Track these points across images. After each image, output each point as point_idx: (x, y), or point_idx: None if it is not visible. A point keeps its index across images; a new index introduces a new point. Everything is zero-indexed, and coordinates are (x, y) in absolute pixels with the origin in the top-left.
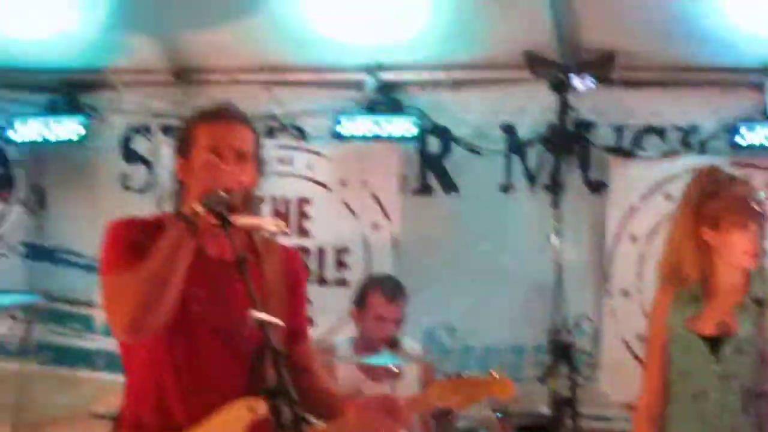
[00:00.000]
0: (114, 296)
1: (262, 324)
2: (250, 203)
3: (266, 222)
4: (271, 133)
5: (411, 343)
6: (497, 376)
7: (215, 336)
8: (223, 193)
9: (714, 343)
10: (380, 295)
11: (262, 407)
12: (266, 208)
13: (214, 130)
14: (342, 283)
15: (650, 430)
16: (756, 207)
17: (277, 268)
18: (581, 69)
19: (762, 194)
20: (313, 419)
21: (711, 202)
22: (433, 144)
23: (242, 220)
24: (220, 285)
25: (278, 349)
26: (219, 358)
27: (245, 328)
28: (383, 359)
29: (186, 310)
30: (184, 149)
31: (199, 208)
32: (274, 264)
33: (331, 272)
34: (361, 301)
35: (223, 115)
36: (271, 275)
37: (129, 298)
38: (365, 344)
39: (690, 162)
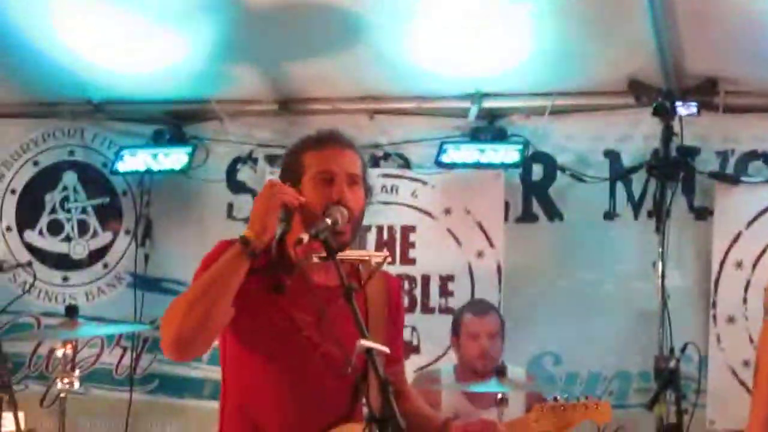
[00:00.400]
0: (166, 314)
1: (370, 352)
2: (356, 230)
3: (371, 253)
4: (375, 161)
5: (517, 370)
6: (595, 400)
7: (323, 362)
8: (328, 220)
9: None
10: (469, 314)
11: None
12: (371, 237)
13: (326, 155)
14: (447, 311)
15: None
16: None
17: (380, 295)
18: (685, 95)
19: None
20: None
21: None
22: (537, 171)
23: (349, 252)
24: (328, 312)
25: (385, 377)
26: (325, 384)
27: (351, 356)
28: (488, 386)
29: (295, 336)
30: (293, 177)
31: (305, 237)
32: (376, 292)
33: (435, 300)
34: (456, 328)
35: (332, 141)
36: (374, 302)
37: (176, 317)
38: (467, 370)
39: None
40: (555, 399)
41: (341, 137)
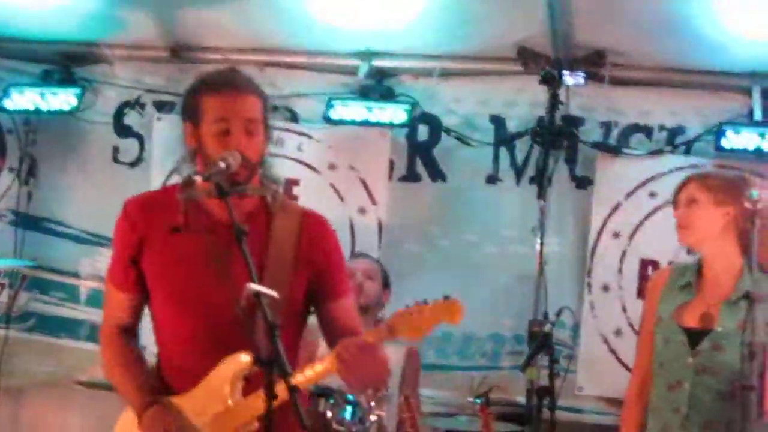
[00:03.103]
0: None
1: (258, 295)
2: (253, 171)
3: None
4: None
5: None
6: (445, 300)
7: (222, 302)
8: (221, 164)
9: (694, 336)
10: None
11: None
12: None
13: (222, 101)
14: None
15: (638, 414)
16: None
17: (288, 232)
18: (572, 65)
19: (755, 193)
20: None
21: None
22: (423, 132)
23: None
24: (228, 251)
25: (271, 320)
26: (225, 325)
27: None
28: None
29: (195, 277)
30: (193, 117)
31: (198, 179)
32: (284, 228)
33: None
34: None
35: (229, 84)
36: (278, 239)
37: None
38: None
39: (675, 162)
40: (407, 306)
41: (239, 80)
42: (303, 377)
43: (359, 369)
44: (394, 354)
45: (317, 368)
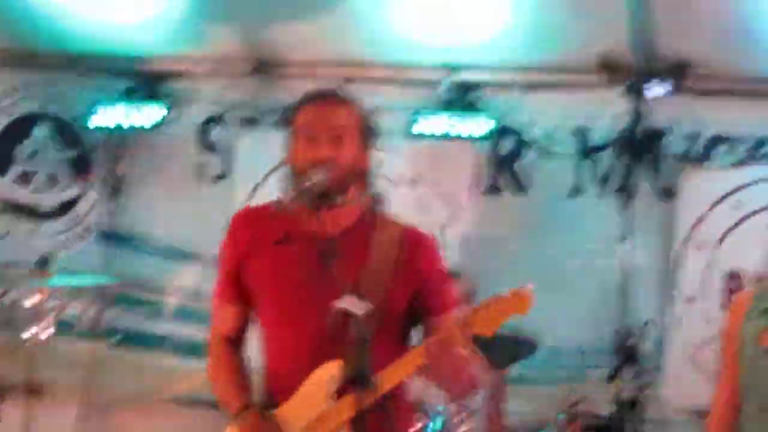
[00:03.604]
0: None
1: (347, 311)
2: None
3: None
4: None
5: None
6: (512, 291)
7: (315, 317)
8: (311, 183)
9: None
10: None
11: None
12: None
13: (310, 113)
14: None
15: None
16: None
17: (388, 246)
18: (656, 76)
19: None
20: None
21: None
22: (506, 145)
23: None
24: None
25: (361, 334)
26: (319, 339)
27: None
28: None
29: (298, 289)
30: (290, 134)
31: (289, 197)
32: (384, 242)
33: None
34: None
35: (319, 98)
36: (381, 251)
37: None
38: None
39: (760, 172)
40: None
41: (330, 93)
42: (390, 377)
43: (448, 365)
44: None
45: (396, 370)
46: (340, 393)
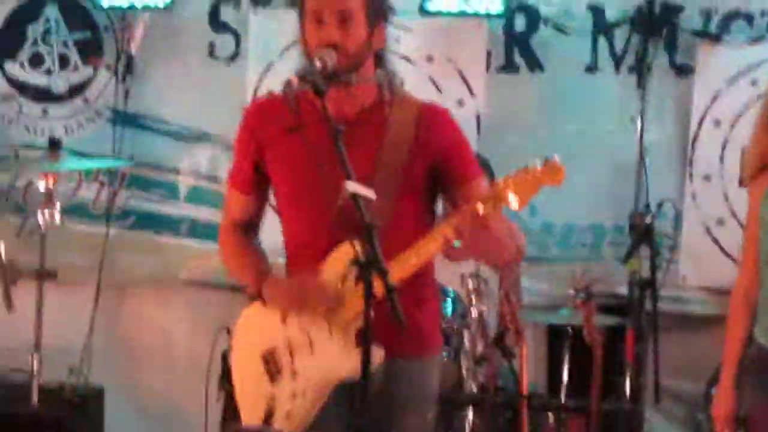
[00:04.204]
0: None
1: (355, 196)
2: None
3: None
4: None
5: None
6: (544, 164)
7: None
8: (317, 64)
9: None
10: None
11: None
12: None
13: None
14: None
15: (745, 314)
16: None
17: (404, 125)
18: None
19: None
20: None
21: None
22: (520, 22)
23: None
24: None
25: (368, 221)
26: (334, 224)
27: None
28: None
29: (312, 172)
30: (300, 16)
31: (295, 81)
32: (400, 121)
33: None
34: None
35: None
36: (398, 128)
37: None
38: None
39: None
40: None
41: None
42: (407, 260)
43: (482, 238)
44: None
45: (422, 247)
46: (359, 278)
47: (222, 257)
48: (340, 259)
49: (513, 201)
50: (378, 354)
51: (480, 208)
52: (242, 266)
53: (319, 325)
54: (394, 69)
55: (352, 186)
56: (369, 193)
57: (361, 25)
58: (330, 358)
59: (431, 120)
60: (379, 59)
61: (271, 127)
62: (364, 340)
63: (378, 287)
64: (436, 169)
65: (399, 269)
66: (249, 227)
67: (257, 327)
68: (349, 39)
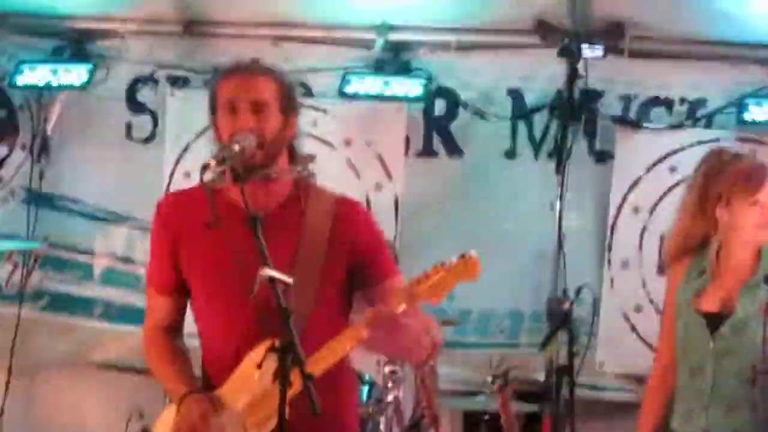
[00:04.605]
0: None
1: (272, 280)
2: (269, 152)
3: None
4: None
5: None
6: (461, 258)
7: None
8: (235, 147)
9: (713, 320)
10: None
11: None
12: None
13: (231, 85)
14: None
15: (660, 401)
16: (763, 180)
17: (321, 218)
18: (591, 37)
19: None
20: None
21: (719, 178)
22: (440, 106)
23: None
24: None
25: (285, 305)
26: (252, 318)
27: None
28: None
29: (230, 267)
30: (212, 106)
31: (213, 163)
32: (318, 213)
33: None
34: None
35: (239, 69)
36: (312, 225)
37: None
38: None
39: (696, 135)
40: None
41: (250, 65)
42: (323, 359)
43: (396, 337)
44: None
45: (337, 345)
46: (277, 373)
47: (147, 362)
48: (258, 354)
49: (430, 296)
50: None
51: (399, 306)
52: (167, 378)
53: (234, 423)
54: (308, 160)
55: (269, 272)
56: (286, 278)
57: (275, 115)
58: None
59: (346, 215)
60: (292, 151)
61: (186, 220)
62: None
63: (294, 378)
64: (352, 267)
65: (315, 367)
66: (173, 329)
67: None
68: (265, 127)
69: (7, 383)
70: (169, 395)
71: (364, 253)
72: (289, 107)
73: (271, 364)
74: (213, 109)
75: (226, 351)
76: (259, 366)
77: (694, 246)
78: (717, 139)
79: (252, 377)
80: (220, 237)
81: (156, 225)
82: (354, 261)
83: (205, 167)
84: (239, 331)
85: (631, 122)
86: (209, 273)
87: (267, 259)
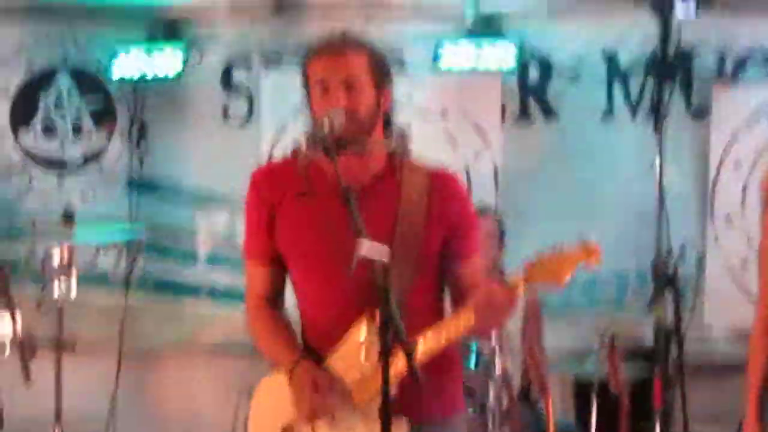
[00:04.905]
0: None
1: (367, 258)
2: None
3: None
4: None
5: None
6: (581, 243)
7: (343, 267)
8: (325, 126)
9: None
10: None
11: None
12: None
13: (321, 63)
14: None
15: (766, 351)
16: None
17: (417, 189)
18: None
19: None
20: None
21: None
22: (534, 72)
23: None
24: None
25: (381, 280)
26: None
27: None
28: None
29: (326, 239)
30: (305, 85)
31: (303, 143)
32: (413, 185)
33: None
34: None
35: (327, 48)
36: (411, 196)
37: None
38: None
39: None
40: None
41: (339, 40)
42: (431, 342)
43: (496, 315)
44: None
45: (447, 329)
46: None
47: (252, 337)
48: (360, 331)
49: (543, 279)
50: (401, 425)
51: (520, 288)
52: (271, 349)
53: (344, 398)
54: (404, 133)
55: (367, 245)
56: (384, 253)
57: (368, 90)
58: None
59: (444, 188)
60: (387, 123)
61: (280, 191)
62: (383, 413)
63: (398, 356)
64: (445, 241)
65: (429, 345)
66: (275, 300)
67: (278, 397)
68: (357, 104)
69: (118, 371)
70: (276, 366)
71: (457, 230)
72: (381, 80)
73: (374, 338)
74: (306, 88)
75: (326, 324)
76: (361, 343)
77: None
78: None
79: (357, 356)
80: (315, 209)
81: (251, 195)
82: (447, 237)
83: (297, 147)
84: (338, 303)
85: (727, 77)
86: (304, 245)
87: (364, 232)
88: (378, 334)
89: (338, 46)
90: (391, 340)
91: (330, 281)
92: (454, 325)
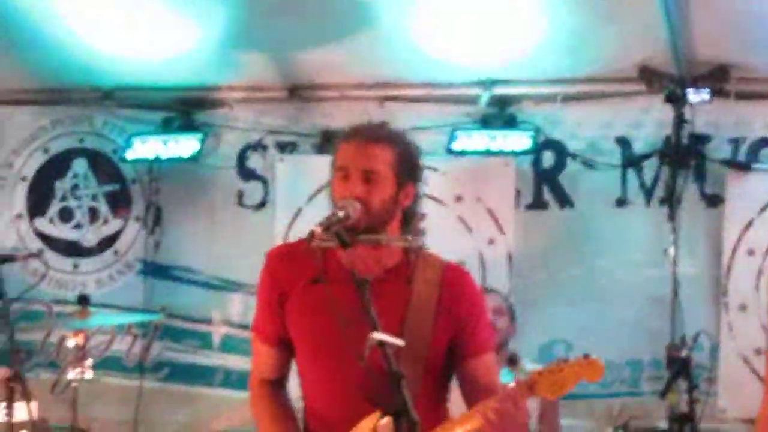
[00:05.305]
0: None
1: (382, 344)
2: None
3: (392, 238)
4: None
5: (530, 363)
6: (587, 358)
7: (352, 355)
8: (340, 213)
9: None
10: None
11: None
12: None
13: (345, 151)
14: None
15: None
16: None
17: (429, 285)
18: (696, 82)
19: None
20: None
21: None
22: (548, 158)
23: (366, 237)
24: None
25: (396, 370)
26: (357, 378)
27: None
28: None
29: (336, 330)
30: (331, 168)
31: (318, 230)
32: (426, 281)
33: None
34: None
35: (356, 135)
36: (420, 292)
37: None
38: None
39: None
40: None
41: (366, 131)
42: None
43: (505, 426)
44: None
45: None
46: None
47: (253, 415)
48: (369, 424)
49: (548, 392)
50: None
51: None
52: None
53: None
54: (420, 229)
55: (379, 335)
56: (397, 341)
57: (387, 184)
58: None
59: (455, 284)
60: (408, 218)
61: (293, 275)
62: None
63: None
64: (454, 335)
65: None
66: (278, 382)
67: None
68: (373, 196)
69: None
70: None
71: (466, 327)
72: (405, 176)
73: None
74: (331, 171)
75: (332, 413)
76: None
77: None
78: None
79: None
80: (327, 296)
81: (264, 275)
82: (456, 334)
83: (311, 235)
84: (346, 393)
85: (741, 164)
86: (314, 331)
87: (376, 321)
88: (393, 425)
89: (366, 136)
90: (404, 428)
91: (339, 370)
92: (461, 424)
